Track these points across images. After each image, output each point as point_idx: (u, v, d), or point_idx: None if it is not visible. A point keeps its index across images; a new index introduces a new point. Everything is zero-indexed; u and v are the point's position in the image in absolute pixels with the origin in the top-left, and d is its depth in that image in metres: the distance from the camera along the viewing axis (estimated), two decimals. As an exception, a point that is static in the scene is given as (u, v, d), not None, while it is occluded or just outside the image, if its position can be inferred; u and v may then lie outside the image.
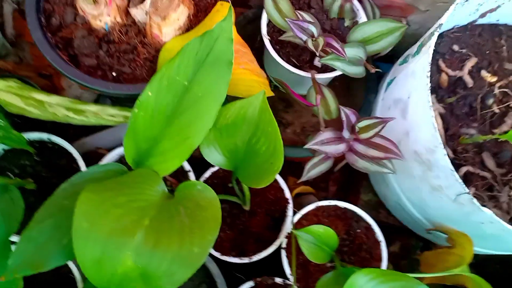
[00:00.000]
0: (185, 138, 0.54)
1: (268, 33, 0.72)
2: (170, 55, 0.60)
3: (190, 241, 0.50)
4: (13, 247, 0.54)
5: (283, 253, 0.74)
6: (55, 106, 0.68)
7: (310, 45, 0.62)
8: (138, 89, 0.62)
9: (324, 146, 0.60)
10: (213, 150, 0.60)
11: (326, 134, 0.60)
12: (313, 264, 0.75)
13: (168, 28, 0.65)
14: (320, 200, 0.85)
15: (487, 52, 0.75)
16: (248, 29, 0.81)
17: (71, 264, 0.74)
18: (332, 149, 0.60)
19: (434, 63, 0.74)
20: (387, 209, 0.85)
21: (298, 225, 0.76)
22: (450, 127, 0.72)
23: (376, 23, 0.67)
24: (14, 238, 0.66)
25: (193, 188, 0.56)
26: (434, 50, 0.74)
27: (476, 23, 0.76)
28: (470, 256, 0.65)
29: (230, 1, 0.68)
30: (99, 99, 0.88)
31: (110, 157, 0.77)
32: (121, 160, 0.79)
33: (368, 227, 0.77)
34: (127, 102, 0.77)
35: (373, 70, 0.67)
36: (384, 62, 0.89)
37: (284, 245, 0.74)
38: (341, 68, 0.63)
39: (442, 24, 0.60)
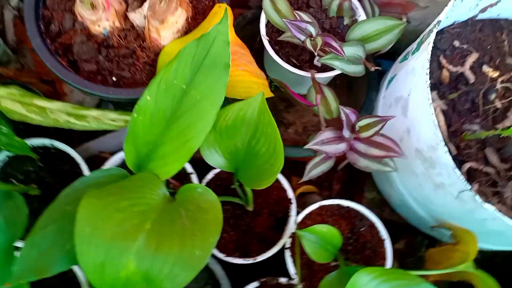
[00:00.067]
0: (184, 141, 0.54)
1: (267, 33, 0.72)
2: (169, 58, 0.61)
3: (191, 244, 0.51)
4: (18, 254, 0.54)
5: (287, 253, 0.74)
6: (56, 112, 0.69)
7: (308, 45, 0.61)
8: (138, 93, 0.62)
9: (325, 146, 0.59)
10: (213, 152, 0.60)
11: (326, 134, 0.60)
12: (317, 263, 0.75)
13: (166, 31, 0.65)
14: (324, 199, 0.85)
15: (489, 47, 0.74)
16: (247, 30, 0.81)
17: (76, 269, 0.74)
18: (332, 148, 0.60)
19: (435, 59, 0.73)
20: (391, 207, 0.85)
21: (301, 225, 0.76)
22: (453, 124, 0.72)
23: (375, 21, 0.67)
24: (19, 243, 0.67)
25: (194, 190, 0.56)
26: (434, 46, 0.74)
27: (477, 18, 0.76)
28: (474, 252, 0.65)
29: (228, 3, 0.68)
30: (101, 103, 0.88)
31: (113, 161, 0.77)
32: (124, 163, 0.79)
33: (372, 226, 0.77)
34: (128, 106, 0.77)
35: (373, 69, 0.67)
36: (385, 59, 0.88)
37: (288, 245, 0.74)
38: (340, 67, 0.63)
39: (440, 21, 0.59)
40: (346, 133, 0.60)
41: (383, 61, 0.89)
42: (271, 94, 0.63)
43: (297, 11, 0.64)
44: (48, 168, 0.77)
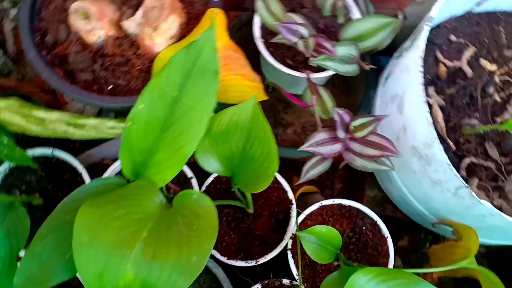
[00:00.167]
0: (178, 148, 0.54)
1: (262, 35, 0.72)
2: (163, 65, 0.61)
3: (188, 250, 0.51)
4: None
5: (289, 254, 0.74)
6: (55, 122, 0.69)
7: (300, 46, 0.61)
8: (133, 101, 0.62)
9: (319, 147, 0.59)
10: (209, 157, 0.61)
11: (321, 135, 0.60)
12: (320, 263, 0.75)
13: (160, 38, 0.66)
14: (326, 198, 0.85)
15: (486, 40, 0.74)
16: (243, 32, 0.81)
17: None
18: (327, 149, 0.60)
19: (432, 54, 0.73)
20: (393, 204, 0.85)
21: (302, 226, 0.76)
22: (451, 119, 0.71)
23: (368, 20, 0.67)
24: (23, 254, 0.68)
25: (189, 197, 0.56)
26: (431, 41, 0.74)
27: (473, 12, 0.75)
28: (476, 247, 0.64)
29: (220, 7, 0.68)
30: (102, 111, 0.89)
31: (114, 168, 0.78)
32: (124, 170, 0.80)
33: (374, 224, 0.77)
34: (128, 113, 0.77)
35: (367, 67, 0.66)
36: (384, 55, 0.88)
37: (289, 246, 0.75)
38: (333, 67, 0.63)
39: (432, 17, 0.59)
40: (340, 133, 0.60)
41: (382, 57, 0.88)
42: (265, 97, 0.64)
43: (289, 13, 0.64)
44: (50, 177, 0.78)
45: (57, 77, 0.66)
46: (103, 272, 0.50)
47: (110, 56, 0.69)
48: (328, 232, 0.69)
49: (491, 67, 0.72)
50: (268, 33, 0.73)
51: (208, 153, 0.60)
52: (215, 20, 0.65)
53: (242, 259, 0.74)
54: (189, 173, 0.77)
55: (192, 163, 0.64)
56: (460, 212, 0.64)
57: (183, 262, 0.50)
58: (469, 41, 0.73)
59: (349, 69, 0.65)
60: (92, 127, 0.70)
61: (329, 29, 0.73)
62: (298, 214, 0.76)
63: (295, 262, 0.74)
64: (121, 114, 0.83)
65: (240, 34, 0.81)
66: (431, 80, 0.72)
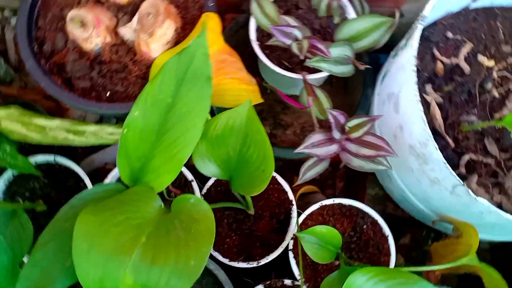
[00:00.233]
0: (174, 154, 0.55)
1: (258, 37, 0.73)
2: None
3: (186, 254, 0.52)
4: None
5: (291, 255, 0.75)
6: (55, 130, 0.70)
7: (294, 48, 0.62)
8: (130, 108, 0.64)
9: (315, 148, 0.60)
10: (206, 161, 0.61)
11: (316, 137, 0.60)
12: (321, 263, 0.75)
13: (156, 44, 0.66)
14: (328, 197, 0.85)
15: (483, 36, 0.73)
16: (240, 34, 0.81)
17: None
18: (323, 151, 0.60)
19: (429, 52, 0.73)
20: (394, 202, 0.85)
21: (303, 226, 0.76)
22: (449, 116, 0.71)
23: (362, 20, 0.67)
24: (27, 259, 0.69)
25: (187, 201, 0.57)
26: (427, 39, 0.73)
27: (469, 8, 0.75)
28: (476, 244, 0.64)
29: (215, 11, 0.68)
30: (103, 117, 0.90)
31: (115, 173, 0.79)
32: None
33: (374, 222, 0.77)
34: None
35: (362, 67, 0.66)
36: (383, 53, 0.88)
37: (291, 247, 0.75)
38: (327, 69, 0.63)
39: (425, 16, 0.59)
40: (336, 134, 0.60)
41: (381, 55, 0.88)
42: (260, 100, 0.64)
43: (283, 16, 0.64)
44: (53, 184, 0.79)
45: (55, 86, 0.67)
46: (103, 278, 0.51)
47: (108, 63, 0.69)
48: (328, 232, 0.69)
49: (489, 62, 0.72)
50: (264, 35, 0.73)
51: (205, 157, 0.61)
52: (210, 24, 0.65)
53: (243, 261, 0.74)
54: (189, 176, 0.77)
55: (193, 166, 0.64)
56: (459, 210, 0.64)
57: (181, 266, 0.51)
58: (466, 37, 0.73)
59: (344, 70, 0.65)
60: (92, 133, 0.71)
61: (325, 29, 0.73)
62: (299, 214, 0.77)
63: (296, 263, 0.74)
64: (122, 120, 0.84)
65: (238, 37, 0.81)
66: (429, 77, 0.72)
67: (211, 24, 0.65)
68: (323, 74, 0.69)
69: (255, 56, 0.81)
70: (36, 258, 0.56)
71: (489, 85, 0.71)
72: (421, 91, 0.71)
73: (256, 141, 0.57)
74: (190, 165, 0.65)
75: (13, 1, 0.93)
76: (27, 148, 0.78)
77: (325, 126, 0.64)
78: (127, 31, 0.69)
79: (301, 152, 0.61)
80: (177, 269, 0.51)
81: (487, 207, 0.57)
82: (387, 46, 0.78)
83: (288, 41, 0.62)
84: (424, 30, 0.73)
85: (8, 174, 0.78)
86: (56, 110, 0.91)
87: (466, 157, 0.69)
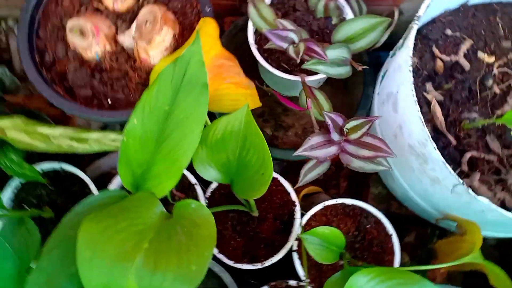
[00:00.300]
0: (174, 160, 0.55)
1: (257, 40, 0.73)
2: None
3: (187, 260, 0.52)
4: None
5: (295, 256, 0.75)
6: (59, 138, 0.71)
7: (291, 52, 0.62)
8: (131, 114, 0.64)
9: (314, 151, 0.60)
10: (207, 167, 0.62)
11: (315, 139, 0.60)
12: (326, 263, 0.75)
13: (154, 50, 0.67)
14: (332, 197, 0.85)
15: (482, 32, 0.73)
16: (240, 37, 0.81)
17: None
18: (322, 153, 0.60)
19: (428, 50, 0.73)
20: (398, 201, 0.85)
21: (307, 227, 0.77)
22: (450, 114, 0.71)
23: (358, 20, 0.67)
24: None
25: (188, 206, 0.57)
26: (426, 37, 0.73)
27: (468, 4, 0.74)
28: (479, 242, 0.64)
29: (212, 16, 0.69)
30: (108, 123, 0.91)
31: (119, 179, 0.80)
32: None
33: (378, 222, 0.77)
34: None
35: (359, 68, 0.67)
36: (384, 51, 0.87)
37: (295, 248, 0.75)
38: (324, 71, 0.63)
39: (420, 16, 0.59)
40: (335, 136, 0.60)
41: (382, 53, 0.88)
42: (259, 104, 0.64)
43: (279, 19, 0.65)
44: (59, 190, 0.80)
45: (57, 95, 0.68)
46: (107, 285, 0.51)
47: (108, 71, 0.70)
48: (331, 233, 0.69)
49: (489, 59, 0.72)
50: (262, 38, 0.73)
51: (206, 162, 0.61)
52: (207, 30, 0.66)
53: (248, 262, 0.75)
54: (193, 179, 0.78)
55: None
56: (461, 208, 0.64)
57: (184, 271, 0.52)
58: (465, 34, 0.73)
59: (342, 71, 0.65)
60: (95, 140, 0.72)
61: (323, 30, 0.74)
62: (304, 215, 0.77)
63: (301, 263, 0.75)
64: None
65: (237, 40, 0.82)
66: (429, 75, 0.72)
67: (208, 30, 0.65)
68: (321, 76, 0.70)
69: (255, 59, 0.81)
70: (42, 265, 0.57)
71: (489, 82, 0.71)
72: (421, 89, 0.71)
73: (255, 144, 0.58)
74: (193, 169, 0.66)
75: (16, 10, 0.94)
76: (34, 156, 0.80)
77: (325, 127, 0.64)
78: (126, 39, 0.69)
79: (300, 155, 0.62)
80: (180, 274, 0.52)
81: (487, 206, 0.57)
82: (388, 44, 0.78)
83: (284, 45, 0.62)
84: (422, 28, 0.73)
85: (16, 182, 0.79)
86: (62, 117, 0.92)
87: (468, 155, 0.69)
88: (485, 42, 0.73)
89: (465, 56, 0.72)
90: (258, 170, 0.58)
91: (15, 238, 0.67)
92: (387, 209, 0.86)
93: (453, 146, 0.70)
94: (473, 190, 0.67)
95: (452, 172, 0.57)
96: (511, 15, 0.75)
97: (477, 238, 0.65)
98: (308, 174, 0.65)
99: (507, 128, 0.70)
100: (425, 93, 0.71)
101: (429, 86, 0.71)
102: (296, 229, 0.76)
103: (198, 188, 0.78)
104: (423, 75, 0.71)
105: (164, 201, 0.73)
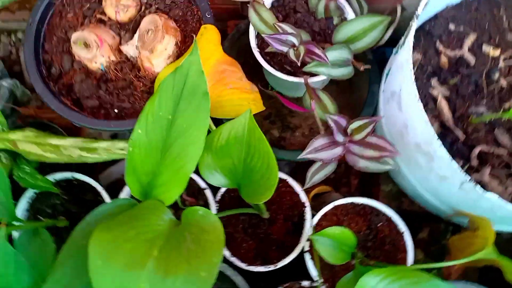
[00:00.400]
0: (179, 168, 0.56)
1: (259, 43, 0.73)
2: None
3: (196, 266, 0.53)
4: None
5: (307, 256, 0.75)
6: (69, 148, 0.73)
7: (291, 55, 0.62)
8: (137, 123, 0.65)
9: (319, 153, 0.60)
10: (214, 172, 0.62)
11: (319, 141, 0.60)
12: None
13: (157, 59, 0.68)
14: (344, 196, 0.85)
15: (486, 25, 0.72)
16: (243, 40, 0.82)
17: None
18: (328, 154, 0.61)
19: (432, 46, 0.72)
20: (410, 197, 0.84)
21: (318, 227, 0.77)
22: (458, 109, 0.71)
23: (359, 20, 0.66)
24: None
25: (195, 213, 0.58)
26: (429, 33, 0.73)
27: (470, -3, 0.73)
28: (492, 237, 0.64)
29: (212, 23, 0.69)
30: (117, 132, 0.92)
31: (131, 186, 0.81)
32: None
33: (389, 219, 0.77)
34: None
35: (362, 68, 0.66)
36: (389, 47, 0.87)
37: (307, 248, 0.75)
38: (326, 73, 0.63)
39: (419, 14, 0.58)
40: (339, 137, 0.60)
41: (387, 49, 0.87)
42: (262, 108, 0.65)
43: (278, 23, 0.65)
44: (73, 199, 0.82)
45: (65, 107, 0.69)
46: (120, 292, 0.52)
47: (114, 81, 0.71)
48: (342, 233, 0.69)
49: (494, 52, 0.71)
50: (264, 41, 0.73)
51: (212, 168, 0.62)
52: (208, 36, 0.66)
53: (261, 264, 0.75)
54: (202, 184, 0.79)
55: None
56: (470, 205, 0.64)
57: (193, 277, 0.52)
58: (469, 28, 0.72)
59: (344, 72, 0.65)
60: (104, 149, 0.73)
61: (325, 31, 0.73)
62: (313, 215, 0.77)
63: (313, 264, 0.75)
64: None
65: (240, 43, 0.82)
66: (433, 71, 0.72)
67: (209, 36, 0.66)
68: (324, 77, 0.70)
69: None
70: (56, 276, 0.58)
71: (496, 75, 0.70)
72: (426, 86, 0.70)
73: (260, 149, 0.58)
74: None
75: (24, 23, 0.96)
76: (47, 166, 0.81)
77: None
78: (129, 48, 0.70)
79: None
80: (189, 281, 0.52)
81: (496, 202, 0.57)
82: (394, 39, 0.77)
83: (284, 49, 0.62)
84: (425, 24, 0.73)
85: (30, 193, 0.81)
86: (73, 127, 0.93)
87: (477, 150, 0.68)
88: (489, 35, 0.72)
89: (470, 50, 0.71)
90: (264, 175, 0.59)
91: (30, 249, 0.68)
92: (399, 206, 0.86)
93: (462, 141, 0.69)
94: (483, 185, 0.67)
95: (460, 169, 0.56)
96: (516, 7, 0.74)
97: (489, 233, 0.65)
98: (315, 175, 0.65)
99: (516, 121, 0.69)
100: (430, 89, 0.70)
101: (434, 82, 0.71)
102: (307, 230, 0.76)
103: (208, 192, 0.78)
104: (427, 71, 0.71)
105: (175, 206, 0.75)
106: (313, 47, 0.62)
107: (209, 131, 0.59)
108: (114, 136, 0.92)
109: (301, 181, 0.80)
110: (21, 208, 0.79)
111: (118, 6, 0.71)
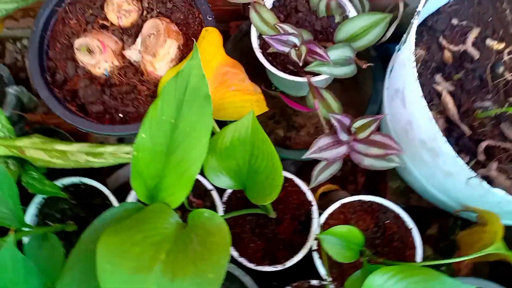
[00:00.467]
0: (183, 171, 0.56)
1: (261, 44, 0.73)
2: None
3: (204, 268, 0.53)
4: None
5: (315, 255, 0.75)
6: (76, 154, 0.73)
7: (293, 55, 0.62)
8: (142, 127, 0.65)
9: (323, 152, 0.60)
10: (219, 175, 0.62)
11: (323, 140, 0.60)
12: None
13: (160, 63, 0.68)
14: (351, 194, 0.85)
15: (490, 19, 0.72)
16: (245, 41, 0.82)
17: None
18: (332, 153, 0.60)
19: (435, 41, 0.72)
20: (417, 193, 0.84)
21: (326, 226, 0.77)
22: (463, 104, 0.70)
23: (360, 18, 0.66)
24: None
25: (201, 215, 0.58)
26: (432, 28, 0.72)
27: (474, -9, 0.73)
28: (500, 232, 0.64)
29: (214, 25, 0.69)
30: (124, 137, 0.92)
31: (138, 189, 0.81)
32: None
33: (397, 216, 0.76)
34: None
35: (364, 66, 0.66)
36: (393, 43, 0.86)
37: (315, 247, 0.75)
38: (328, 72, 0.63)
39: (420, 11, 0.58)
40: (343, 136, 0.60)
41: (391, 45, 0.87)
42: (266, 109, 0.65)
43: (278, 24, 0.65)
44: (81, 203, 0.82)
45: (69, 113, 0.70)
46: (128, 296, 0.53)
47: (118, 86, 0.72)
48: (349, 231, 0.69)
49: (498, 46, 0.70)
50: (266, 41, 0.74)
51: (217, 170, 0.62)
52: (210, 39, 0.66)
53: (269, 264, 0.75)
54: (209, 185, 0.79)
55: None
56: (477, 200, 0.63)
57: (200, 280, 0.52)
58: (472, 22, 0.72)
59: (346, 71, 0.65)
60: (110, 154, 0.73)
61: (327, 29, 0.73)
62: (320, 214, 0.77)
63: (322, 263, 0.75)
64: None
65: (243, 44, 0.82)
66: (437, 67, 0.71)
67: (210, 39, 0.66)
68: (327, 76, 0.69)
69: (263, 62, 0.82)
70: (65, 281, 0.59)
71: (500, 69, 0.70)
72: (430, 81, 0.70)
73: (264, 150, 0.58)
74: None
75: (29, 31, 0.97)
76: (56, 171, 0.82)
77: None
78: (132, 53, 0.71)
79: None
80: (197, 283, 0.52)
81: (503, 197, 0.56)
82: (397, 35, 0.77)
83: (286, 49, 0.62)
84: (427, 19, 0.72)
85: (39, 198, 0.81)
86: (80, 132, 0.94)
87: (483, 144, 0.68)
88: (493, 29, 0.71)
89: (474, 44, 0.71)
90: (269, 176, 0.59)
91: (40, 254, 0.69)
92: (406, 202, 0.86)
93: (468, 136, 0.69)
94: (490, 180, 0.67)
95: (465, 165, 0.56)
96: (519, 0, 0.73)
97: (497, 228, 0.64)
98: (320, 175, 0.65)
99: (522, 114, 0.68)
100: (435, 85, 0.70)
101: (438, 77, 0.71)
102: (314, 229, 0.76)
103: (215, 194, 0.78)
104: (431, 67, 0.70)
105: (183, 208, 0.75)
106: (315, 47, 0.61)
107: (213, 133, 0.59)
108: (121, 140, 0.93)
109: (308, 180, 0.79)
110: (30, 213, 0.80)
111: (120, 11, 0.71)
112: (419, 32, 0.72)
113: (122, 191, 0.84)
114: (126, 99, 0.71)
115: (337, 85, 0.83)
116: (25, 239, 0.74)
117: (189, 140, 0.55)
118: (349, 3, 0.72)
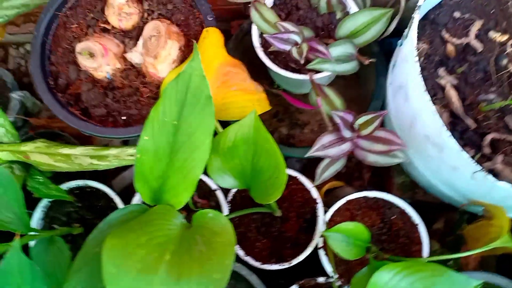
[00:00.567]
0: (187, 172, 0.56)
1: (262, 43, 0.73)
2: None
3: (208, 268, 0.53)
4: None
5: (322, 253, 0.75)
6: (80, 157, 0.73)
7: (294, 53, 0.62)
8: (145, 129, 0.65)
9: (327, 150, 0.60)
10: (223, 175, 0.62)
11: (326, 138, 0.60)
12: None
13: (162, 64, 0.68)
14: (358, 190, 0.84)
15: (492, 11, 0.71)
16: (247, 40, 0.81)
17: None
18: (336, 151, 0.60)
19: (437, 35, 0.71)
20: (423, 188, 0.83)
21: (332, 223, 0.76)
22: (467, 97, 0.70)
23: (361, 14, 0.66)
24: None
25: (205, 216, 0.58)
26: (434, 22, 0.72)
27: (475, -17, 0.72)
28: (507, 226, 0.63)
29: (214, 25, 0.69)
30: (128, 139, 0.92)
31: (143, 190, 0.81)
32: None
33: (403, 212, 0.76)
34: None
35: (366, 62, 0.66)
36: (396, 38, 0.86)
37: (321, 245, 0.75)
38: (330, 69, 0.63)
39: (420, 6, 0.58)
40: (346, 133, 0.60)
41: (393, 40, 0.86)
42: (268, 108, 0.64)
43: (279, 22, 0.64)
44: (86, 206, 0.82)
45: (72, 117, 0.70)
46: (134, 298, 0.53)
47: (120, 88, 0.72)
48: (355, 228, 0.69)
49: (502, 38, 0.70)
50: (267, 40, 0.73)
51: (221, 170, 0.62)
52: (211, 39, 0.66)
53: (275, 262, 0.75)
54: (213, 185, 0.79)
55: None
56: (483, 194, 0.63)
57: (205, 280, 0.52)
58: (474, 15, 0.71)
59: (348, 68, 0.64)
60: (114, 156, 0.73)
61: (328, 26, 0.73)
62: (326, 212, 0.77)
63: (328, 260, 0.75)
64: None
65: (244, 43, 0.82)
66: (440, 60, 0.71)
67: (211, 39, 0.66)
68: (329, 73, 0.69)
69: (265, 60, 0.81)
70: (71, 284, 0.59)
71: (504, 61, 0.69)
72: (434, 75, 0.70)
73: (267, 149, 0.58)
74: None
75: (31, 36, 0.97)
76: (61, 174, 0.82)
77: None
78: (134, 55, 0.71)
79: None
80: (202, 283, 0.52)
81: (509, 190, 0.56)
82: (400, 30, 0.77)
83: (287, 47, 0.62)
84: (430, 13, 0.72)
85: (45, 202, 0.82)
86: (83, 135, 0.94)
87: (489, 137, 0.68)
88: (496, 21, 0.70)
89: (477, 37, 0.70)
90: (272, 174, 0.59)
91: (46, 258, 0.69)
92: (412, 197, 0.85)
93: (473, 129, 0.68)
94: (496, 173, 0.66)
95: (470, 159, 0.55)
96: (522, -9, 0.72)
97: (504, 222, 0.64)
98: (325, 172, 0.65)
99: (527, 106, 0.68)
100: (438, 79, 0.69)
101: (441, 71, 0.70)
102: (320, 227, 0.76)
103: (219, 193, 0.78)
104: (434, 61, 0.70)
105: (187, 208, 0.75)
106: (316, 44, 0.61)
107: (216, 134, 0.59)
108: (125, 142, 0.93)
109: (313, 177, 0.79)
110: (36, 217, 0.80)
111: (121, 14, 0.71)
112: (421, 26, 0.71)
113: (127, 193, 0.84)
114: (128, 102, 0.71)
115: (339, 82, 0.83)
116: (32, 243, 0.75)
117: (192, 141, 0.55)
118: (350, -1, 0.72)
